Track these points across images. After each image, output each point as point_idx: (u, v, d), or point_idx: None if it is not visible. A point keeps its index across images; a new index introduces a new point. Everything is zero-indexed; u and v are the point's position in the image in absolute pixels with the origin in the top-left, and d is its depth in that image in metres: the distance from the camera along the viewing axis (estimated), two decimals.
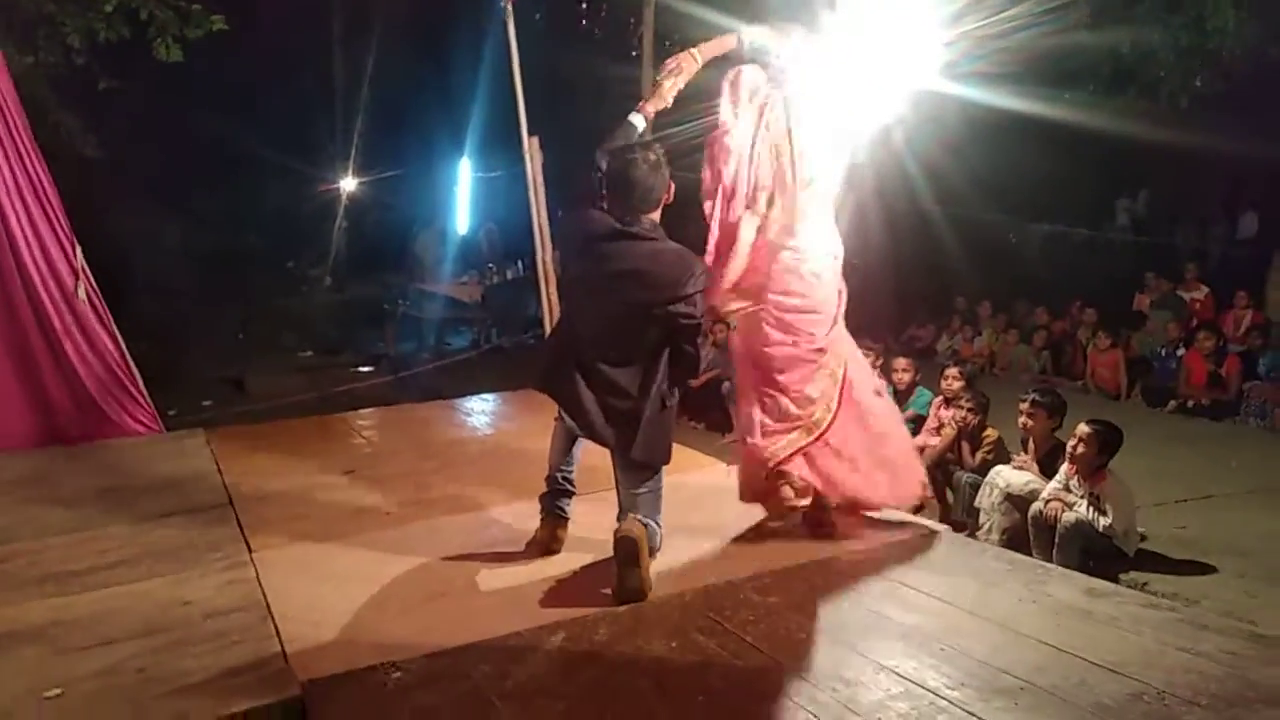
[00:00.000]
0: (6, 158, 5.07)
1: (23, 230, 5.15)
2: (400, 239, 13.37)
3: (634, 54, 7.67)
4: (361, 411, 6.45)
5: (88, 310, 5.37)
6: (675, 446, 3.33)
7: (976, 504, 5.08)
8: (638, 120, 3.44)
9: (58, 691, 2.44)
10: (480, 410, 6.39)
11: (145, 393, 5.60)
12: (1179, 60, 8.99)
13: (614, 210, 3.16)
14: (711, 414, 7.71)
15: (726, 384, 7.42)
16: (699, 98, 3.55)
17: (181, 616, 2.91)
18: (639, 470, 3.21)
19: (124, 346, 5.52)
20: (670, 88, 3.44)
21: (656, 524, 3.23)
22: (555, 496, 3.50)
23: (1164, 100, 9.26)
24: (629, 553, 2.98)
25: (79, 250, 5.35)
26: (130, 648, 2.69)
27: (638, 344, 3.14)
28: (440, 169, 15.84)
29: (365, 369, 10.90)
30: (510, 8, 5.87)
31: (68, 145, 7.73)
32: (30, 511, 4.06)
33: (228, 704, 2.35)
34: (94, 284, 5.43)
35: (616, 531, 3.05)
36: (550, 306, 6.10)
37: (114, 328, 5.50)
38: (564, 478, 3.50)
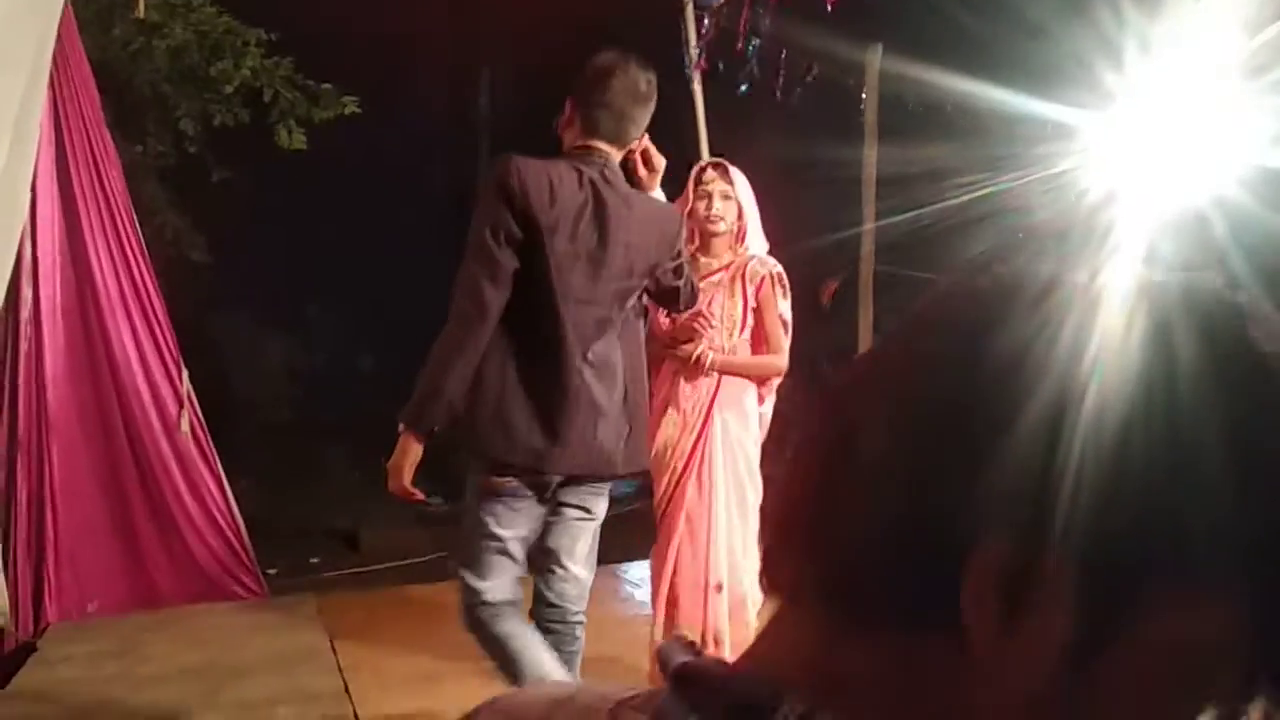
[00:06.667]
0: (115, 268, 5.66)
1: (127, 353, 5.69)
2: None
3: (856, 123, 7.84)
4: None
5: (190, 446, 5.87)
6: None
7: None
8: None
9: None
10: (642, 578, 6.41)
11: (249, 548, 6.00)
12: None
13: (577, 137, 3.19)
14: None
15: None
16: None
17: None
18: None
19: (228, 490, 5.97)
20: None
21: None
22: None
23: None
24: None
25: (185, 375, 5.88)
26: None
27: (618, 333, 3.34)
28: None
29: None
30: (699, 74, 6.20)
31: (173, 247, 8.53)
32: (112, 693, 4.38)
33: None
34: (199, 414, 5.93)
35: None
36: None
37: (218, 467, 5.95)
38: None
